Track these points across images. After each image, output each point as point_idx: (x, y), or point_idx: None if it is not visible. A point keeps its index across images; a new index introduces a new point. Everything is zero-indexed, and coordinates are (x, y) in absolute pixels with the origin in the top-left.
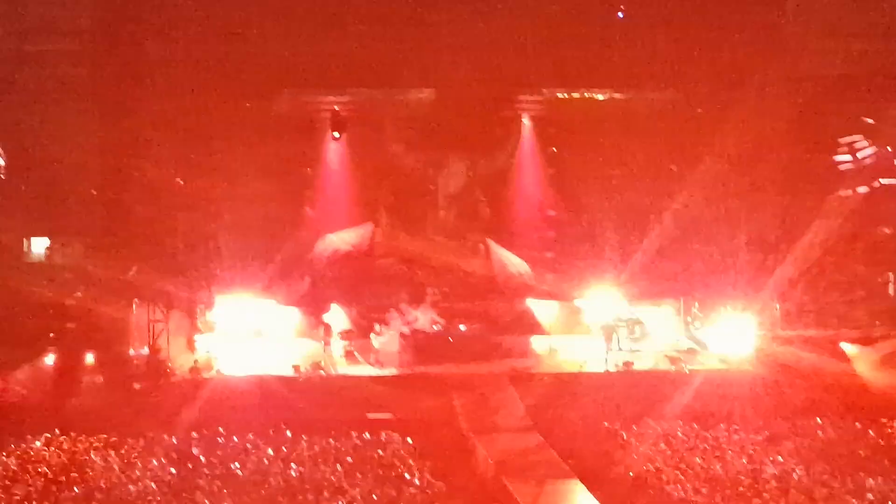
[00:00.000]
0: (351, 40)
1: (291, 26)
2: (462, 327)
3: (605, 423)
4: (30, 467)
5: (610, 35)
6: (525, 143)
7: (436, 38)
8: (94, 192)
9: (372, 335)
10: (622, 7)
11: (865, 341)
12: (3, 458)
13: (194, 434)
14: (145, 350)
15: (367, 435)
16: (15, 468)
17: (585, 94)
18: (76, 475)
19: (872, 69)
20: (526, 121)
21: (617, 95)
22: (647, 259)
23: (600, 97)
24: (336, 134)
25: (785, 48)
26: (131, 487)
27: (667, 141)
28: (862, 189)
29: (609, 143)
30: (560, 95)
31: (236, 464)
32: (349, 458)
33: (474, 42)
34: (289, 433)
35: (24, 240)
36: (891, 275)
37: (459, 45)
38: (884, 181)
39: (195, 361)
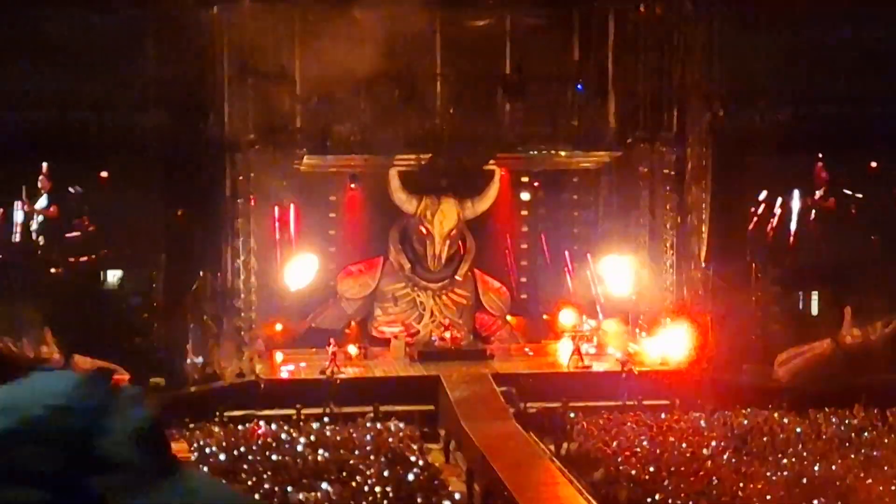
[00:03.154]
0: (366, 115)
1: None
2: (455, 333)
3: (571, 415)
4: None
5: (568, 105)
6: (502, 191)
7: (431, 114)
8: (158, 234)
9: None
10: (581, 81)
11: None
12: None
13: (239, 427)
14: (199, 359)
15: (378, 425)
16: None
17: (548, 151)
18: None
19: None
20: (502, 173)
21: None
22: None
23: (563, 154)
24: (353, 185)
25: None
26: None
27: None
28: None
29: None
30: (529, 154)
31: (273, 445)
32: (367, 446)
33: (461, 115)
34: (315, 425)
35: (101, 272)
36: (801, 293)
37: (450, 118)
38: None
39: (240, 368)
